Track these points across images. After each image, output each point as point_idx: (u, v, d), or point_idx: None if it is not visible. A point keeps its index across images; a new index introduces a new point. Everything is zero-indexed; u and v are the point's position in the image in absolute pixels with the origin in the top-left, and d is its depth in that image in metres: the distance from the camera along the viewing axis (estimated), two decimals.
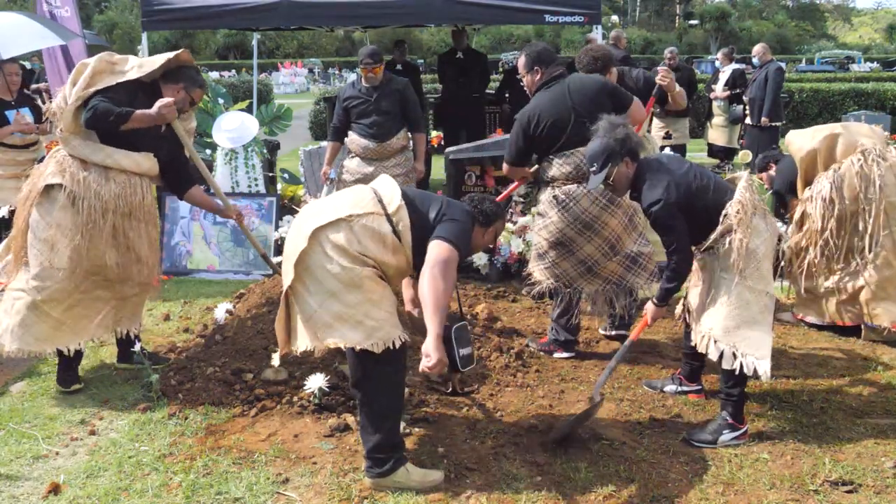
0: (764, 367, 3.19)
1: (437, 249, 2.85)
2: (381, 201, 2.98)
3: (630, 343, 3.51)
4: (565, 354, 4.32)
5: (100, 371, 4.16)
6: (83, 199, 3.66)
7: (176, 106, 3.79)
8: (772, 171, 4.87)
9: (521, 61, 4.21)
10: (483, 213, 3.13)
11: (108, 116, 3.58)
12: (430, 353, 2.73)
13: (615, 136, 3.32)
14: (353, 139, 5.63)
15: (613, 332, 4.55)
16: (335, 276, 2.89)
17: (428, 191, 3.60)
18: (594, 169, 3.37)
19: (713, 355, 3.33)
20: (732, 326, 3.26)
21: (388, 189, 3.04)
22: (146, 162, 3.82)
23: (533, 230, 4.21)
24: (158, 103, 3.66)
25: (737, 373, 3.26)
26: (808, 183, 4.51)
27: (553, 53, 4.32)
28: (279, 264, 5.48)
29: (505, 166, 4.29)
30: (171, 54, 3.84)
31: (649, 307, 3.47)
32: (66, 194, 3.66)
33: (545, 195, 4.11)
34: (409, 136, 5.77)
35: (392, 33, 11.80)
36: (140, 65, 3.76)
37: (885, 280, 4.40)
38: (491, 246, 3.31)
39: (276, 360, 3.32)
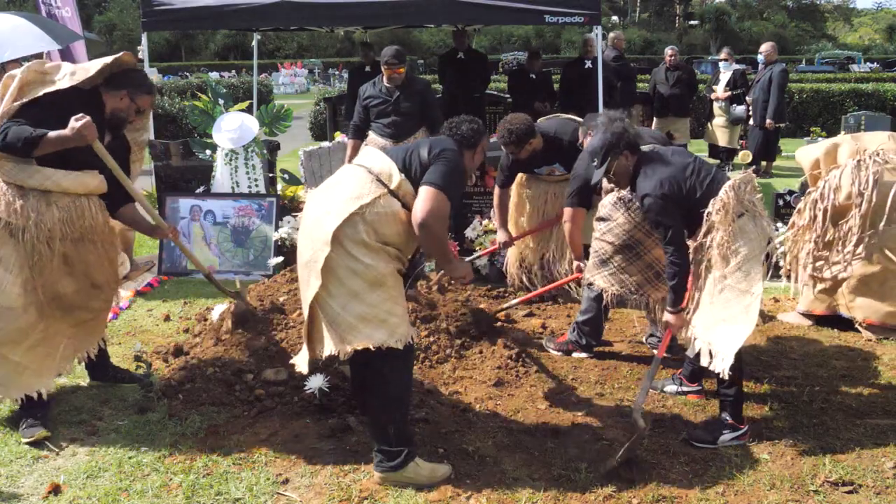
0: (723, 366, 3.15)
1: (423, 197, 2.87)
2: (379, 179, 2.94)
3: (658, 360, 3.43)
4: (583, 354, 4.33)
5: None
6: (23, 230, 3.30)
7: (121, 114, 3.50)
8: None
9: (580, 132, 4.39)
10: (464, 137, 3.16)
11: (17, 142, 3.17)
12: (461, 276, 3.16)
13: (613, 130, 3.39)
14: (372, 138, 5.68)
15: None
16: (359, 274, 2.87)
17: None
18: (595, 163, 3.43)
19: (691, 352, 3.34)
20: (711, 324, 3.26)
21: (382, 164, 2.99)
22: (92, 180, 3.44)
23: (594, 235, 4.14)
24: (74, 121, 3.18)
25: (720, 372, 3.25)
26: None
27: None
28: (280, 264, 5.45)
29: (569, 211, 4.22)
30: (109, 58, 3.46)
31: (668, 318, 3.42)
32: (3, 226, 3.30)
33: (609, 198, 4.03)
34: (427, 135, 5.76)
35: (391, 33, 11.79)
36: (73, 72, 3.38)
37: (868, 276, 4.48)
38: (482, 164, 3.43)
39: (303, 367, 3.16)
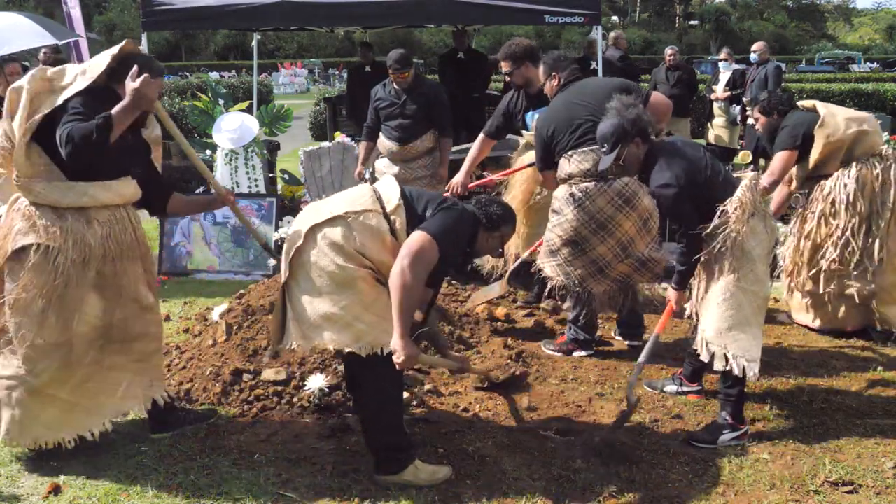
0: (753, 370, 3.21)
1: (412, 239, 2.79)
2: (379, 199, 2.96)
3: (657, 336, 3.44)
4: (584, 353, 4.34)
5: None
6: (60, 254, 2.98)
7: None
8: (774, 119, 4.51)
9: (540, 70, 4.38)
10: (487, 215, 3.05)
11: (91, 135, 2.83)
12: (396, 351, 2.73)
13: (626, 116, 3.30)
14: (381, 141, 5.73)
15: (627, 344, 4.48)
16: (329, 273, 2.86)
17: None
18: (605, 149, 3.36)
19: (705, 356, 3.32)
20: (724, 328, 3.25)
21: (388, 188, 3.02)
22: (127, 188, 3.17)
23: (548, 226, 4.21)
24: (130, 82, 2.87)
25: (733, 374, 3.26)
26: (818, 164, 4.41)
27: (568, 59, 4.39)
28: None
29: (541, 176, 4.36)
30: (113, 49, 3.13)
31: (671, 292, 3.46)
32: (41, 252, 2.98)
33: (561, 192, 4.05)
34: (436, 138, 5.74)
35: (391, 33, 11.80)
36: (83, 71, 3.07)
37: (893, 285, 4.41)
38: (499, 251, 3.28)
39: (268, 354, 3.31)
